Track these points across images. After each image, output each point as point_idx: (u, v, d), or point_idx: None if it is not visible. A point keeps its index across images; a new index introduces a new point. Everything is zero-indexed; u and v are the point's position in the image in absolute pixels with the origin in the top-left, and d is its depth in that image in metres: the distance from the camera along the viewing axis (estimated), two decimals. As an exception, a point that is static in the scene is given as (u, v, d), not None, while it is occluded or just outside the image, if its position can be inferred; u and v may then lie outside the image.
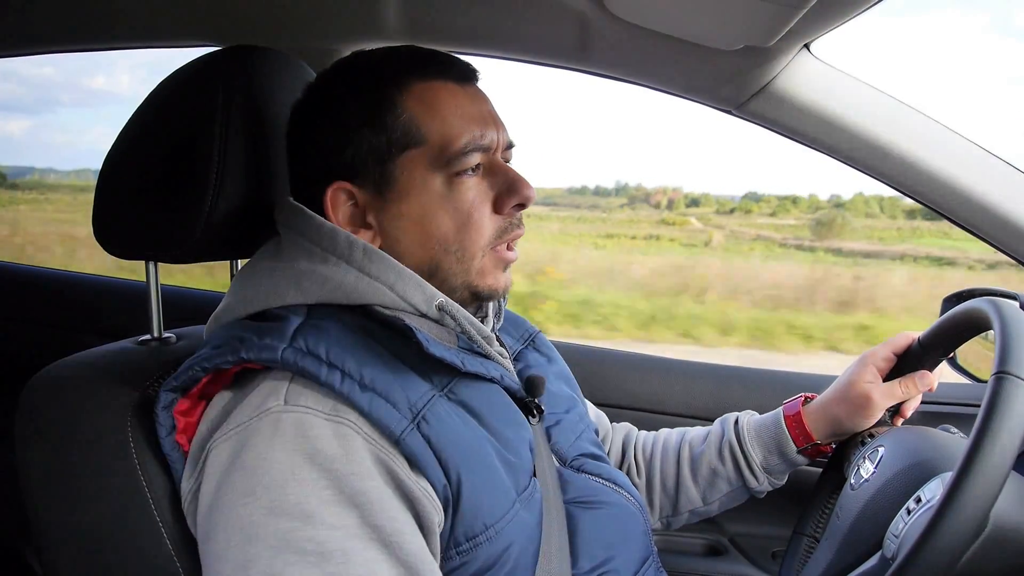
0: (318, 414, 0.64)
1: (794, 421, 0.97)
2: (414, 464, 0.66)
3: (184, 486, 0.68)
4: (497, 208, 0.78)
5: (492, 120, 0.79)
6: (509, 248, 0.80)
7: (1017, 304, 0.74)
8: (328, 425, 0.64)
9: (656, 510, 1.04)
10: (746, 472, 0.99)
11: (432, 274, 0.77)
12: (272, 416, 0.64)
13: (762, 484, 0.99)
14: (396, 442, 0.65)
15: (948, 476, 0.62)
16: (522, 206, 0.79)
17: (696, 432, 1.05)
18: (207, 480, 0.64)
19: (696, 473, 1.01)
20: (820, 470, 1.00)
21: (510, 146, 0.82)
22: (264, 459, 0.62)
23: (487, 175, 0.78)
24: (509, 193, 0.78)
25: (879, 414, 0.92)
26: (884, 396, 0.91)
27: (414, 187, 0.75)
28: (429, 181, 0.75)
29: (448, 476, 0.66)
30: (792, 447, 0.96)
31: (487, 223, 0.77)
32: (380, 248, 0.76)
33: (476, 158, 0.76)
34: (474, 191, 0.77)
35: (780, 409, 1.00)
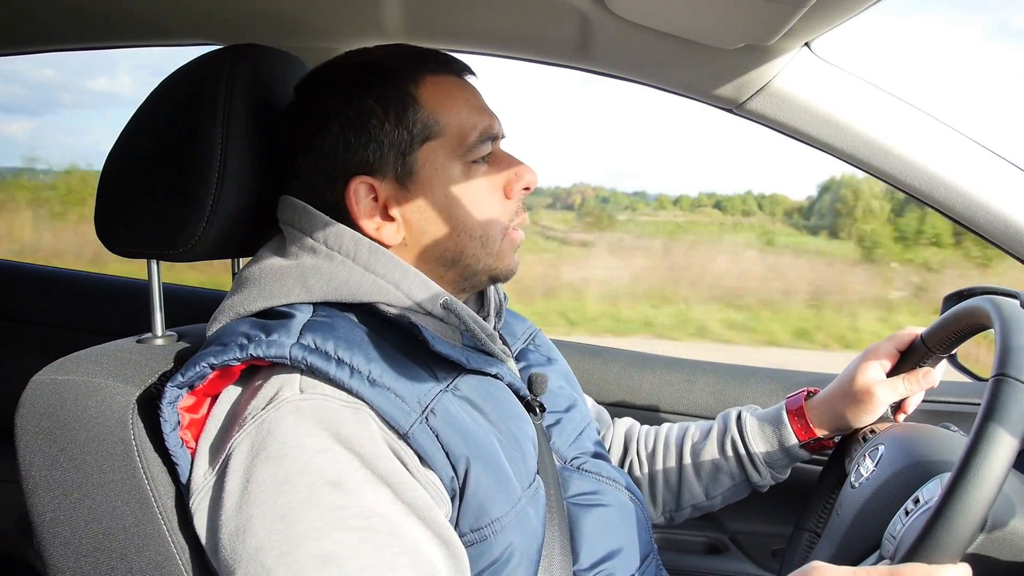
0: (336, 400, 0.65)
1: (797, 415, 0.97)
2: (422, 458, 0.66)
3: (195, 481, 0.67)
4: (506, 193, 0.81)
5: (492, 111, 0.82)
6: (515, 230, 0.83)
7: (1017, 303, 0.73)
8: (347, 410, 0.65)
9: (659, 505, 1.04)
10: (748, 466, 0.99)
11: (456, 260, 0.79)
12: (291, 404, 0.64)
13: (765, 478, 0.99)
14: (405, 436, 0.66)
15: (947, 477, 0.62)
16: (527, 189, 0.82)
17: (698, 426, 1.05)
18: (231, 477, 0.64)
19: (699, 467, 1.02)
20: (820, 469, 1.00)
21: (503, 136, 0.84)
22: (292, 445, 0.63)
23: (493, 163, 0.81)
24: (517, 178, 0.81)
25: (882, 410, 0.92)
26: (887, 392, 0.91)
27: (436, 177, 0.77)
28: (449, 170, 0.78)
29: (455, 469, 0.67)
30: (794, 441, 0.96)
31: (502, 208, 0.81)
32: (405, 239, 0.78)
33: (488, 147, 0.80)
34: (488, 178, 0.80)
35: (783, 403, 1.00)
